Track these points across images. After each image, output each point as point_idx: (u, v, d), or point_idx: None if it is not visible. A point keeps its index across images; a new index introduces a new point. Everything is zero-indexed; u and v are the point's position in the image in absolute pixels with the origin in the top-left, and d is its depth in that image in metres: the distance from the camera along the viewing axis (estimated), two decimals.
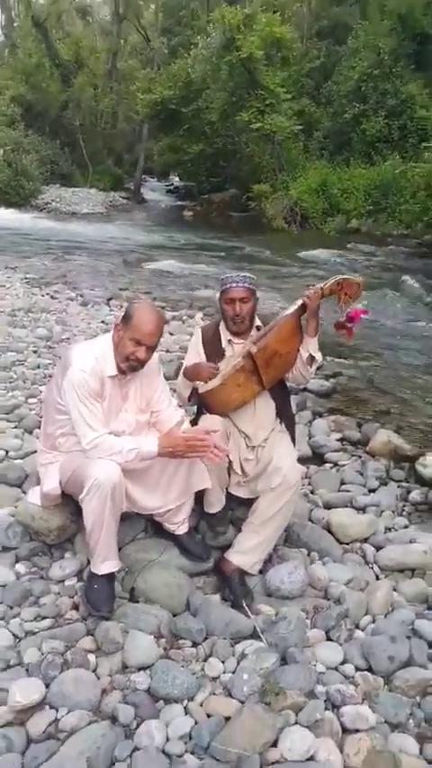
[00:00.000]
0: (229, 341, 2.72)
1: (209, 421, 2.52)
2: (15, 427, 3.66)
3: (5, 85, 28.23)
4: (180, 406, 2.64)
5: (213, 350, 2.72)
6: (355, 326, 2.70)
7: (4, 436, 3.48)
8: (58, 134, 27.90)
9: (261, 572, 2.58)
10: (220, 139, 22.31)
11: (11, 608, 2.20)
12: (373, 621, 2.37)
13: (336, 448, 4.02)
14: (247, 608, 2.35)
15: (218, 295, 2.73)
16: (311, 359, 2.67)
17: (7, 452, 3.27)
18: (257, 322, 2.74)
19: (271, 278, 10.26)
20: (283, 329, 2.62)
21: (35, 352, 5.35)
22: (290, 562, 2.55)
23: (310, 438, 4.14)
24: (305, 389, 5.09)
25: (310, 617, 2.37)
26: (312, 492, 3.47)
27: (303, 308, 2.63)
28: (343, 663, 2.15)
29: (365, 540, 2.99)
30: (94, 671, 1.99)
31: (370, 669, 2.11)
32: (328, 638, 2.26)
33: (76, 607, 2.26)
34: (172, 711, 1.85)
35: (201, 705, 1.87)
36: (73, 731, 1.72)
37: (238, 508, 2.81)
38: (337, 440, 4.15)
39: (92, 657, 2.03)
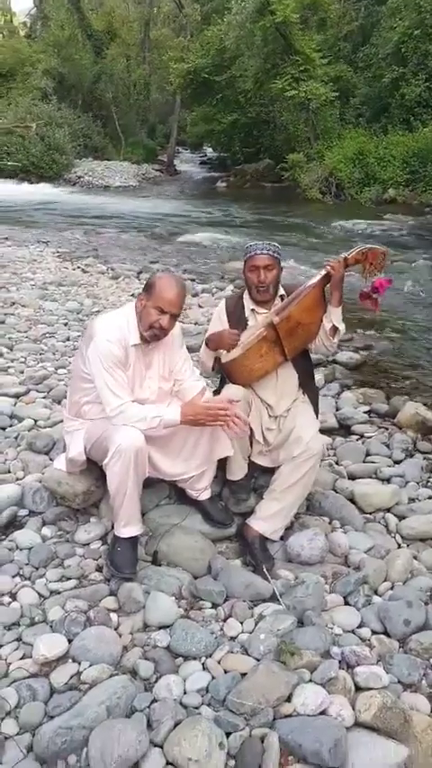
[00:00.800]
0: (253, 310, 2.72)
1: (231, 390, 2.55)
2: (44, 397, 3.77)
3: (38, 59, 28.20)
4: (204, 377, 2.68)
5: (237, 319, 2.73)
6: (381, 297, 2.67)
7: (33, 405, 3.59)
8: (90, 107, 27.84)
9: (282, 539, 2.63)
10: (254, 109, 21.92)
11: (36, 569, 2.31)
12: (392, 588, 2.40)
13: (363, 420, 4.00)
14: (267, 572, 2.41)
15: (242, 264, 2.74)
16: (335, 330, 2.66)
17: (36, 421, 3.38)
18: (281, 291, 2.74)
19: (304, 249, 10.13)
20: (307, 299, 2.61)
21: (66, 324, 5.45)
22: (310, 529, 2.58)
23: (337, 410, 4.14)
24: (334, 362, 5.08)
25: (328, 582, 2.41)
26: (337, 463, 3.48)
27: (327, 277, 2.61)
28: (360, 626, 2.19)
29: (389, 510, 3.01)
30: (115, 629, 2.07)
31: (386, 633, 2.15)
32: (347, 603, 2.30)
33: (99, 569, 2.35)
34: (190, 667, 1.93)
35: (219, 662, 1.94)
36: (94, 683, 1.81)
37: (261, 476, 2.86)
38: (365, 412, 4.13)
39: (114, 616, 2.12)
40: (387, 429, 3.95)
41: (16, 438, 3.21)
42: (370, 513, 3.00)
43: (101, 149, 27.04)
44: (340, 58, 20.65)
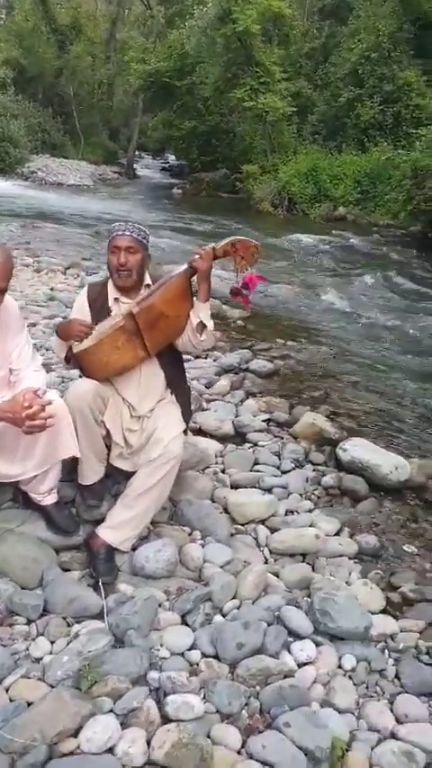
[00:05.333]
0: (116, 299, 2.51)
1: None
2: None
3: None
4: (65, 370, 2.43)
5: (99, 308, 2.51)
6: (251, 294, 2.49)
7: None
8: (51, 102, 27.26)
9: (135, 549, 2.41)
10: (213, 117, 21.86)
11: None
12: (239, 607, 2.20)
13: (259, 428, 3.83)
14: (101, 586, 2.18)
15: None
16: (202, 326, 2.46)
17: None
18: (148, 281, 2.53)
19: None
20: (170, 290, 2.42)
21: None
22: (159, 540, 2.38)
23: (236, 417, 3.96)
24: (247, 369, 4.92)
25: (170, 599, 2.20)
26: (223, 471, 3.30)
27: (194, 268, 2.43)
28: (191, 648, 1.98)
29: (263, 522, 2.83)
30: None
31: (217, 656, 1.95)
32: (184, 623, 2.10)
33: None
34: None
35: (7, 689, 1.70)
36: None
37: (124, 482, 2.63)
38: (264, 420, 3.97)
39: None
40: (282, 438, 3.80)
41: None
42: (243, 525, 2.82)
43: (59, 147, 26.47)
44: (301, 74, 20.84)
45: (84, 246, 9.64)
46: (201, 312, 2.45)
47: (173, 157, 32.61)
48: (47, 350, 4.15)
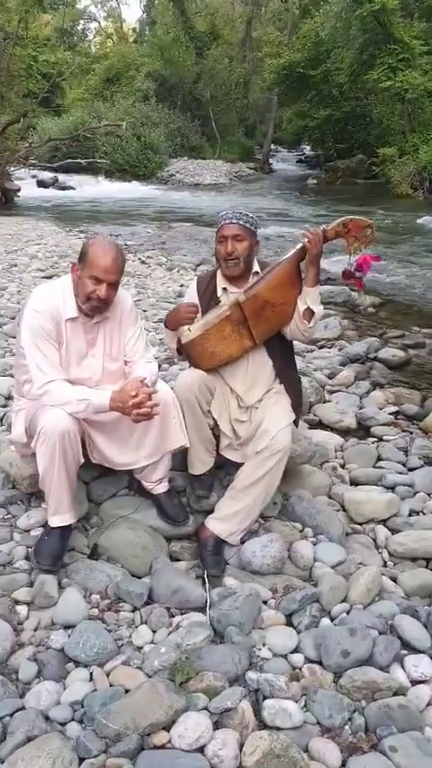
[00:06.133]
0: (225, 289, 2.46)
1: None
2: None
3: (143, 62, 29.03)
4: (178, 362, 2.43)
5: (208, 298, 2.48)
6: (365, 276, 2.32)
7: None
8: (189, 107, 28.24)
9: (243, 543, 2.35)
10: (349, 103, 21.20)
11: None
12: (349, 612, 2.05)
13: (385, 421, 3.59)
14: (207, 578, 2.16)
15: None
16: (310, 312, 2.34)
17: None
18: (256, 268, 2.45)
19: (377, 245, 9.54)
20: (277, 277, 2.32)
21: None
22: (267, 535, 2.29)
23: (359, 409, 3.75)
24: (375, 359, 4.65)
25: (276, 597, 2.11)
26: (342, 466, 3.13)
27: (303, 252, 2.31)
28: (294, 651, 1.88)
29: (384, 522, 2.64)
30: (20, 623, 1.91)
31: (322, 662, 1.83)
32: (289, 624, 2.00)
33: (28, 557, 2.20)
34: (77, 675, 1.72)
35: (108, 674, 1.72)
36: None
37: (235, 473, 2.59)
38: (391, 413, 3.71)
39: (23, 609, 1.96)
40: (411, 433, 3.52)
41: (1, 419, 3.15)
42: (360, 524, 2.65)
43: (197, 148, 27.34)
44: None
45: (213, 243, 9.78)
46: (308, 298, 2.33)
47: (308, 148, 32.13)
48: None
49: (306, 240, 2.29)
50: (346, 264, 2.34)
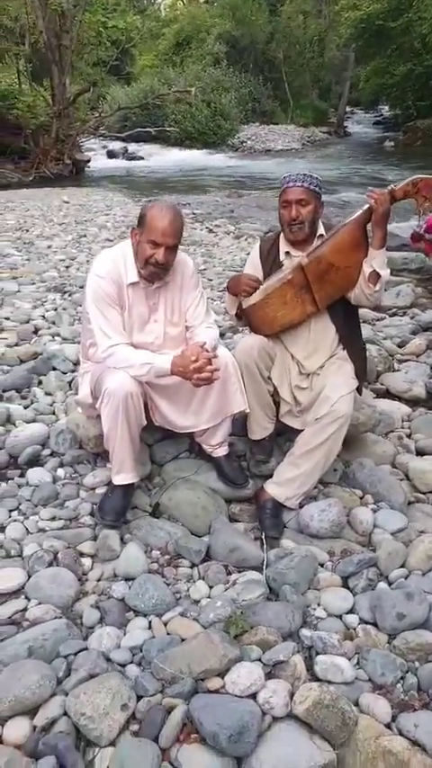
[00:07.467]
0: (288, 253, 2.44)
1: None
2: None
3: (213, 24, 28.34)
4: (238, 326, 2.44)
5: (271, 263, 2.47)
6: None
7: None
8: (261, 70, 27.44)
9: (302, 507, 2.38)
10: None
11: (35, 506, 2.32)
12: (407, 577, 2.04)
13: None
14: (265, 540, 2.20)
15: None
16: (376, 276, 2.28)
17: None
18: (321, 230, 2.41)
19: None
20: (342, 239, 2.27)
21: None
22: (326, 500, 2.30)
23: (429, 379, 3.64)
24: None
25: (333, 560, 2.13)
26: (409, 436, 3.07)
27: (369, 213, 2.25)
28: (349, 612, 1.90)
29: None
30: (84, 574, 2.02)
31: (377, 624, 1.84)
32: (345, 586, 2.02)
33: (93, 513, 2.31)
34: (136, 623, 1.82)
35: (166, 624, 1.81)
36: (35, 622, 1.78)
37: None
38: None
39: (88, 561, 2.07)
40: None
41: (70, 383, 3.28)
42: (424, 493, 2.61)
43: (269, 113, 26.64)
44: None
45: None
46: (374, 260, 2.27)
47: (386, 108, 30.63)
48: None
49: (372, 201, 2.22)
50: (414, 227, 2.25)
